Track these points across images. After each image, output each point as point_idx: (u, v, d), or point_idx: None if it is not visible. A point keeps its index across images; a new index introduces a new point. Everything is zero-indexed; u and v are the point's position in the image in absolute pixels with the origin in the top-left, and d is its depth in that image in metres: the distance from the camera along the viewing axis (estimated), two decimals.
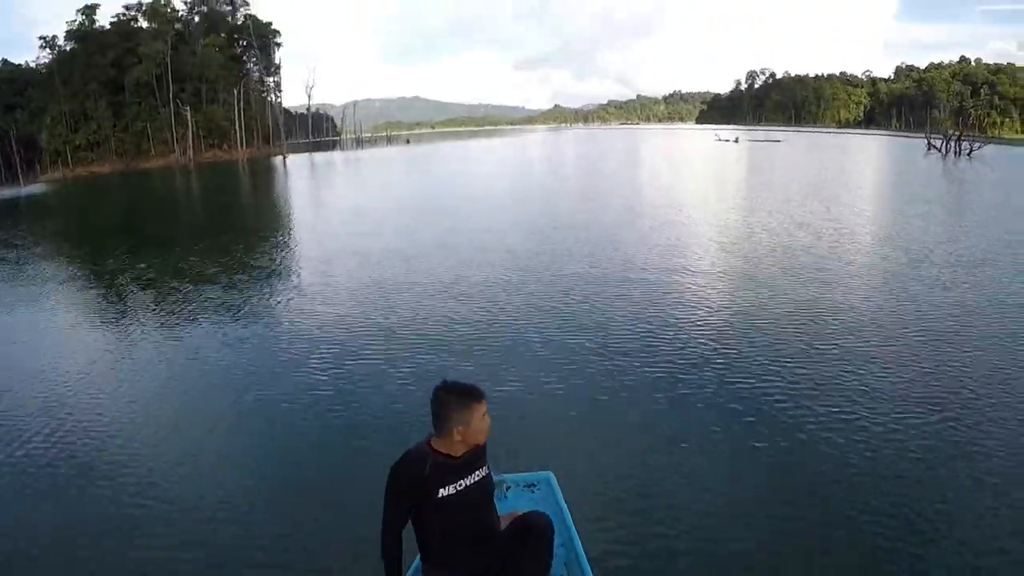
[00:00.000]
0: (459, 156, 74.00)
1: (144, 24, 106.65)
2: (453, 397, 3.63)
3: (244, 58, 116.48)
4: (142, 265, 16.89)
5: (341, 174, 52.21)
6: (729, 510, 5.33)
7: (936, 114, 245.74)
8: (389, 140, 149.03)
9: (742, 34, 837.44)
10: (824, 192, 28.46)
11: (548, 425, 6.98)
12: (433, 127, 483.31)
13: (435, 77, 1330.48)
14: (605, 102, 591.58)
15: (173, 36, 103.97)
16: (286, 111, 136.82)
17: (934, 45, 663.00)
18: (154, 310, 12.35)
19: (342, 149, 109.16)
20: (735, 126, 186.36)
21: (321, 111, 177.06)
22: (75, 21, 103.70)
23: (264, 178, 51.64)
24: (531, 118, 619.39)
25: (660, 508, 5.38)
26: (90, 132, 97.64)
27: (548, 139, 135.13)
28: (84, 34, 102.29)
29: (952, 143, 61.51)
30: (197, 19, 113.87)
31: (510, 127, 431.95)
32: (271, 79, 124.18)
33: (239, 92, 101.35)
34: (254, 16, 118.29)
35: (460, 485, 3.61)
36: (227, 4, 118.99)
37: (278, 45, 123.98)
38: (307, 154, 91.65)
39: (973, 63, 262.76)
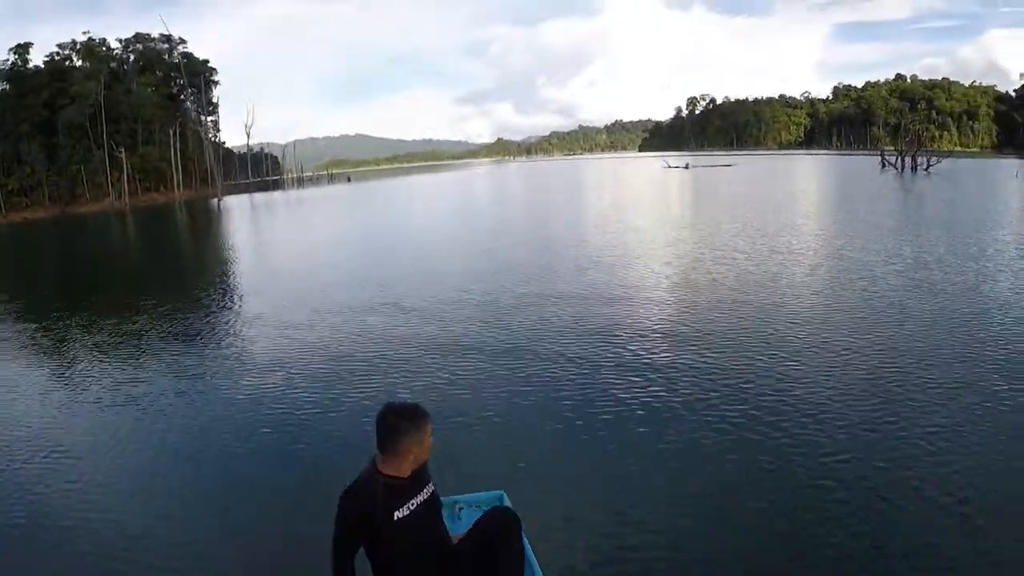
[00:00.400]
0: (395, 193, 71.15)
1: (78, 63, 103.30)
2: (404, 419, 3.63)
3: (181, 97, 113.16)
4: (74, 317, 15.11)
5: (276, 215, 49.55)
6: (681, 520, 5.32)
7: (875, 131, 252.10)
8: (331, 178, 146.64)
9: (680, 61, 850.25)
10: (799, 217, 26.98)
11: (498, 446, 6.89)
12: (378, 164, 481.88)
13: (377, 114, 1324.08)
14: (548, 133, 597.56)
15: (107, 75, 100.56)
16: (229, 151, 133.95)
17: (869, 64, 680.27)
18: (87, 362, 11.23)
19: (283, 189, 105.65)
20: (683, 152, 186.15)
21: (265, 150, 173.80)
22: (7, 61, 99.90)
23: (197, 222, 48.79)
24: (474, 152, 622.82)
25: (612, 521, 5.34)
26: (24, 176, 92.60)
27: (492, 172, 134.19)
28: (16, 74, 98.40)
29: (907, 159, 61.07)
30: (132, 57, 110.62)
31: (454, 162, 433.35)
32: (209, 118, 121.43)
33: (175, 132, 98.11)
34: (190, 54, 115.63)
35: (413, 505, 3.59)
36: (163, 42, 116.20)
37: (215, 83, 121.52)
38: (247, 195, 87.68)
39: (909, 79, 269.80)
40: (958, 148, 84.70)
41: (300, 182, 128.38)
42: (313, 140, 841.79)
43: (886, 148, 77.71)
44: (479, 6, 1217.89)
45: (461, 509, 4.54)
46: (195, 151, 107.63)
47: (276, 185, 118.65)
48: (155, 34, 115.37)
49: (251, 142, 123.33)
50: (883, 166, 63.98)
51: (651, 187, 50.24)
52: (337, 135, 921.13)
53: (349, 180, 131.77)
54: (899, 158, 62.17)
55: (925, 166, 58.30)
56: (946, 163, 61.75)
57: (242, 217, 48.42)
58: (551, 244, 22.45)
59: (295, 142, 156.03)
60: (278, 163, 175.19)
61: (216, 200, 79.83)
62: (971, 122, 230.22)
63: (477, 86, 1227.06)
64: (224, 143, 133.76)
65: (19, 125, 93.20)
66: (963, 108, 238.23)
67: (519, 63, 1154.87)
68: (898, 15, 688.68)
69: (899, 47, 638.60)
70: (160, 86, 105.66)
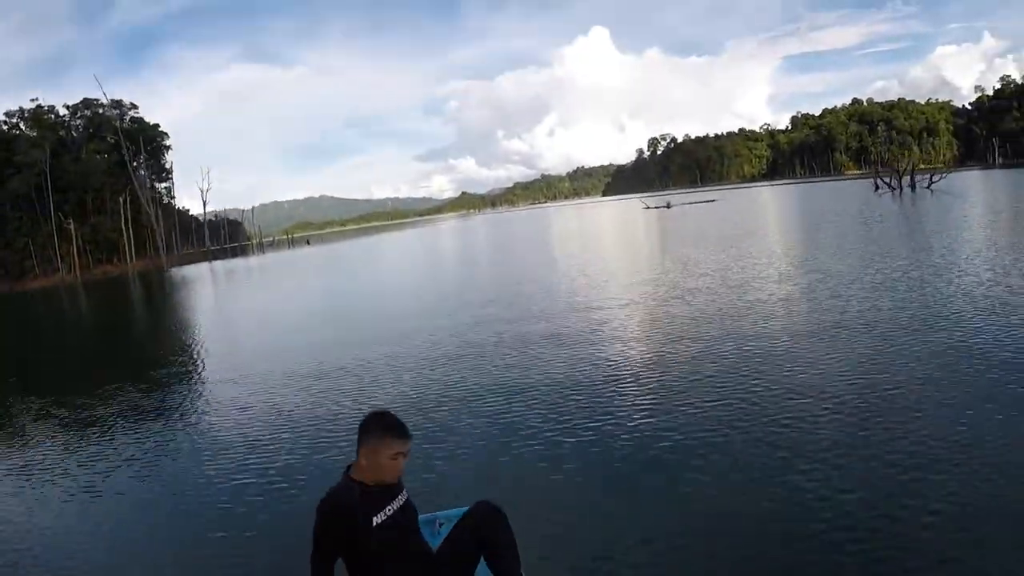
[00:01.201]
0: (355, 253, 65.74)
1: (27, 131, 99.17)
2: (375, 425, 3.64)
3: (133, 164, 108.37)
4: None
5: (233, 283, 45.00)
6: (651, 534, 5.06)
7: (838, 156, 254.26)
8: (291, 243, 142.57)
9: (637, 104, 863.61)
10: (829, 247, 22.39)
11: (476, 463, 6.94)
12: (343, 225, 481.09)
13: (341, 175, 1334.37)
14: (511, 185, 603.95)
15: (54, 143, 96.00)
16: (194, 218, 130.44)
17: (821, 93, 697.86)
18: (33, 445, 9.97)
19: (244, 255, 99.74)
20: (655, 193, 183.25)
21: (230, 216, 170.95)
22: None
23: (147, 296, 44.10)
24: (439, 207, 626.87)
25: (594, 537, 5.16)
26: None
27: (456, 226, 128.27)
28: None
29: (906, 178, 57.66)
30: (80, 124, 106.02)
31: (419, 219, 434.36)
32: (162, 185, 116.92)
33: (125, 200, 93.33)
34: (141, 119, 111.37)
35: (390, 511, 3.57)
36: (114, 108, 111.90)
37: (167, 148, 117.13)
38: (207, 263, 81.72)
39: (866, 103, 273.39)
40: (922, 165, 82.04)
41: (261, 247, 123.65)
42: (278, 204, 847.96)
43: (881, 170, 74.02)
44: (435, 64, 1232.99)
45: (441, 525, 4.35)
46: (148, 220, 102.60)
47: (239, 251, 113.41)
48: (104, 100, 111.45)
49: (216, 208, 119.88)
50: (876, 188, 60.34)
51: (648, 232, 42.54)
52: (302, 197, 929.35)
53: (308, 243, 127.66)
54: (895, 179, 58.31)
55: (927, 183, 55.01)
56: (944, 179, 58.57)
57: (194, 288, 44.04)
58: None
59: (260, 206, 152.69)
60: (241, 228, 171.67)
61: (166, 271, 75.04)
62: (931, 138, 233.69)
63: (438, 143, 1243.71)
64: (188, 210, 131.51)
65: None
66: (922, 126, 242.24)
67: (478, 117, 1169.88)
68: (846, 42, 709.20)
69: (850, 74, 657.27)
70: (110, 153, 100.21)
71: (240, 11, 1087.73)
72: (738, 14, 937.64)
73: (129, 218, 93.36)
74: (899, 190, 55.11)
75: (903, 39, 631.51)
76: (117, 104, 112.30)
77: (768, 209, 53.42)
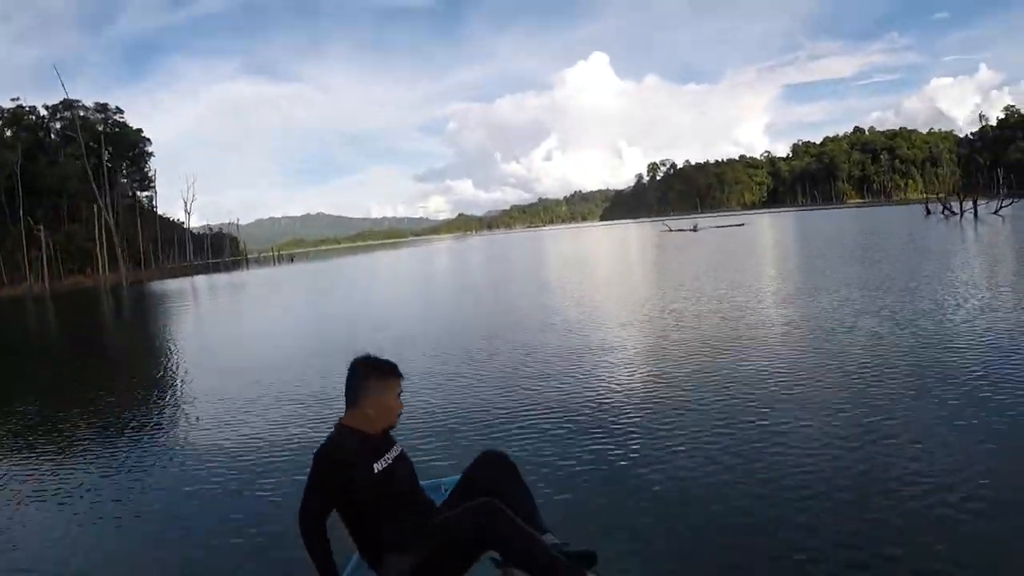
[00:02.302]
0: (342, 271, 59.32)
1: (8, 132, 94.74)
2: (372, 370, 3.59)
3: (113, 170, 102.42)
4: None
5: (214, 299, 39.61)
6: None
7: (840, 184, 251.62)
8: (276, 260, 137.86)
9: (635, 130, 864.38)
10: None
11: (476, 429, 7.11)
12: (339, 242, 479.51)
13: (337, 193, 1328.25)
14: (508, 207, 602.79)
15: (29, 143, 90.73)
16: (186, 231, 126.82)
17: (818, 123, 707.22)
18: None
19: (227, 270, 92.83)
20: (658, 218, 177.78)
21: (224, 230, 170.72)
22: None
23: (113, 310, 40.10)
24: (436, 228, 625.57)
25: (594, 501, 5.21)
26: None
27: (451, 247, 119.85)
28: None
29: (968, 204, 51.72)
30: (59, 126, 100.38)
31: (415, 238, 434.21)
32: (143, 194, 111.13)
33: (101, 208, 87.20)
34: (124, 123, 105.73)
35: (388, 459, 3.50)
36: (97, 111, 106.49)
37: (149, 155, 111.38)
38: (183, 279, 75.81)
39: (867, 131, 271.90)
40: (926, 195, 78.02)
41: (247, 263, 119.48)
42: (274, 220, 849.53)
43: (932, 196, 67.67)
44: (434, 85, 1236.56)
45: (446, 490, 4.10)
46: (127, 230, 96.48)
47: (224, 267, 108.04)
48: (88, 103, 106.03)
49: (210, 222, 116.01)
50: (928, 213, 54.91)
51: (719, 260, 31.39)
52: (299, 214, 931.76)
53: (292, 260, 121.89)
54: (958, 203, 52.26)
55: (996, 209, 49.34)
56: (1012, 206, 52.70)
57: (165, 303, 38.88)
58: None
59: (256, 221, 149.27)
60: (233, 242, 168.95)
61: (124, 286, 69.25)
62: (935, 168, 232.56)
63: (436, 163, 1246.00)
64: (182, 222, 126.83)
65: None
66: (925, 155, 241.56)
67: (477, 139, 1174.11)
68: (843, 73, 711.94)
69: (847, 104, 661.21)
70: (89, 157, 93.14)
71: (242, 25, 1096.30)
72: (737, 42, 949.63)
73: (103, 228, 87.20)
74: (959, 215, 49.12)
75: (899, 70, 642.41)
76: (102, 108, 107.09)
77: (815, 236, 45.66)
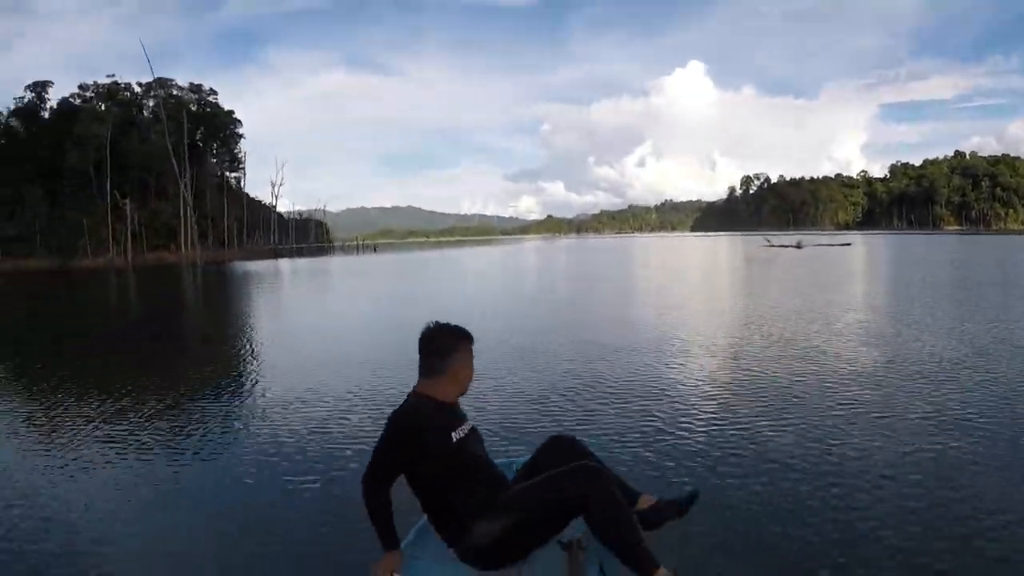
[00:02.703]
0: (433, 265, 58.12)
1: (102, 106, 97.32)
2: (451, 337, 3.48)
3: (203, 149, 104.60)
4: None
5: (297, 285, 39.66)
6: None
7: (938, 209, 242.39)
8: (359, 248, 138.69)
9: (729, 142, 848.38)
10: None
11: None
12: (428, 237, 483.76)
13: (427, 187, 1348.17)
14: (598, 212, 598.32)
15: (119, 119, 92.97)
16: (279, 214, 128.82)
17: (915, 145, 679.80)
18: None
19: (311, 256, 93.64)
20: (750, 232, 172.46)
21: (314, 216, 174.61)
22: (23, 98, 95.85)
23: (191, 288, 40.86)
24: (525, 228, 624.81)
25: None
26: (24, 223, 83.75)
27: (540, 248, 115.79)
28: (28, 112, 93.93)
29: None
30: (152, 103, 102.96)
31: (504, 237, 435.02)
32: (232, 175, 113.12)
33: (186, 186, 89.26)
34: (215, 103, 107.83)
35: (464, 430, 3.42)
36: (192, 92, 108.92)
37: (239, 136, 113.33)
38: (273, 260, 76.10)
39: (969, 156, 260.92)
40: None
41: (332, 250, 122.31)
42: (364, 209, 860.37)
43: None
44: (529, 85, 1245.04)
45: (516, 470, 3.96)
46: (214, 210, 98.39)
47: (307, 252, 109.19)
48: (183, 82, 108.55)
49: (301, 208, 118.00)
50: None
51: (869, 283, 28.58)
52: (389, 205, 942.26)
53: (375, 250, 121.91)
54: None
55: None
56: None
57: (247, 285, 39.20)
58: None
59: (347, 210, 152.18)
60: (321, 228, 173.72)
61: (198, 264, 70.43)
62: None
63: (528, 163, 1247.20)
64: (274, 205, 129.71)
65: (24, 167, 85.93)
66: None
67: (569, 142, 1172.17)
68: (944, 95, 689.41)
69: (946, 126, 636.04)
70: (179, 135, 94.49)
71: (342, 18, 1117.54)
72: (835, 57, 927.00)
73: (190, 205, 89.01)
74: None
75: (1002, 95, 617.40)
76: (196, 88, 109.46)
77: (941, 261, 40.72)
